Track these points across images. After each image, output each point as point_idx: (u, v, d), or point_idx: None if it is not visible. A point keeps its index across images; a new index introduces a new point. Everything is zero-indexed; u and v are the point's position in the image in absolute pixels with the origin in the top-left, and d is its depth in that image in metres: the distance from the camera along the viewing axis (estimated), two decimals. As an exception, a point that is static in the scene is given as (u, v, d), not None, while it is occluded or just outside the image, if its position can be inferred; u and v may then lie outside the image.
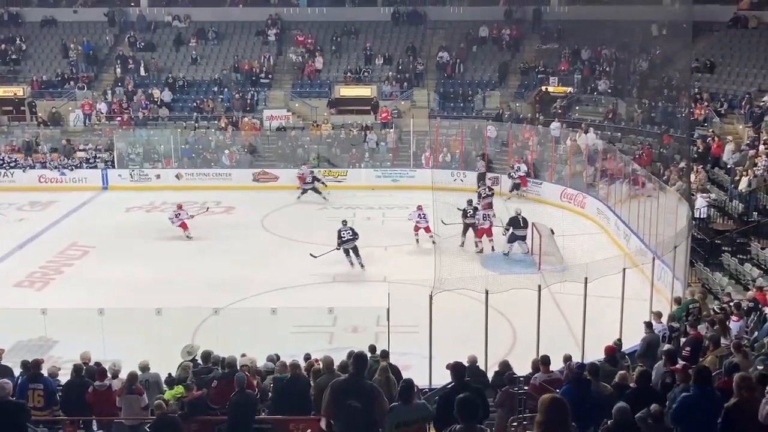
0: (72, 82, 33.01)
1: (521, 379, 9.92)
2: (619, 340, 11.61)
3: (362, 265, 19.06)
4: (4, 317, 13.31)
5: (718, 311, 12.25)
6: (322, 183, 27.07)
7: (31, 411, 8.68)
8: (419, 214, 21.20)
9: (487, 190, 23.62)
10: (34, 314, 13.04)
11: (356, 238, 19.19)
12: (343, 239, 19.14)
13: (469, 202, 21.24)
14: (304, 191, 26.65)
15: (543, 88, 31.37)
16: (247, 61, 34.03)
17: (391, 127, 30.61)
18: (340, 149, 30.07)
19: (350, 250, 19.18)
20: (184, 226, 22.02)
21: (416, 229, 21.26)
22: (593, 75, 31.51)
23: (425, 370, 11.94)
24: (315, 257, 18.77)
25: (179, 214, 22.13)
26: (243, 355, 10.61)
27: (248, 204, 25.95)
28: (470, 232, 20.71)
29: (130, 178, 28.72)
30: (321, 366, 9.37)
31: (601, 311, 14.53)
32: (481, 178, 26.93)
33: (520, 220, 19.89)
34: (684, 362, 9.03)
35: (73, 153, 29.23)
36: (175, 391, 9.53)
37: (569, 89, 31.18)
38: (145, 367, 10.34)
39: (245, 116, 31.30)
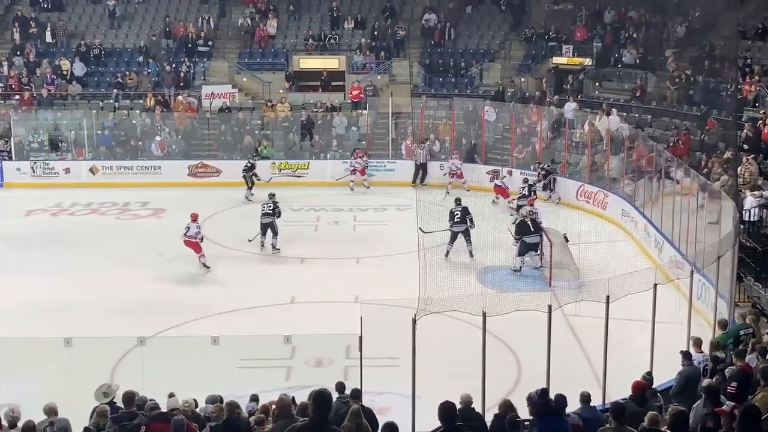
0: (-43, 51, 32.72)
1: (526, 424, 9.92)
2: (650, 373, 11.64)
3: (471, 254, 20.53)
4: None
5: (773, 337, 12.34)
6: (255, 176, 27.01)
7: None
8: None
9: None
10: None
11: (468, 224, 20.66)
12: (456, 221, 20.49)
13: (457, 201, 21.31)
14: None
15: (554, 59, 31.54)
16: (181, 24, 33.91)
17: (365, 108, 30.64)
18: (299, 136, 30.03)
19: (461, 234, 20.50)
20: (197, 247, 20.24)
21: (353, 171, 27.24)
22: (617, 43, 31.75)
23: (407, 413, 11.90)
24: (424, 233, 20.54)
25: (198, 230, 20.30)
26: (171, 396, 10.53)
27: (182, 205, 25.68)
28: (460, 239, 20.81)
29: (32, 173, 28.54)
30: (275, 408, 9.33)
31: (626, 338, 14.59)
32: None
33: (530, 224, 19.91)
34: (730, 402, 9.08)
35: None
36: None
37: (587, 61, 31.37)
38: (51, 411, 10.21)
39: (179, 94, 31.20)
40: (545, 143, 27.93)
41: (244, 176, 26.87)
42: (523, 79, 31.56)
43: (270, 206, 21.33)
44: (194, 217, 20.36)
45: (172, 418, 8.94)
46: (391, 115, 29.75)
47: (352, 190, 27.51)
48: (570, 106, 28.34)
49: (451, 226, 20.66)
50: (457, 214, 20.67)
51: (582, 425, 9.05)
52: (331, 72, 32.38)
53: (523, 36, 33.33)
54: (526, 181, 24.51)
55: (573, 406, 9.80)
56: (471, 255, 20.62)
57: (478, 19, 34.59)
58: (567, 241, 19.83)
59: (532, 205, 21.86)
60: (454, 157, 27.74)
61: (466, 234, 20.69)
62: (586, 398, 9.99)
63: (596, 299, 13.42)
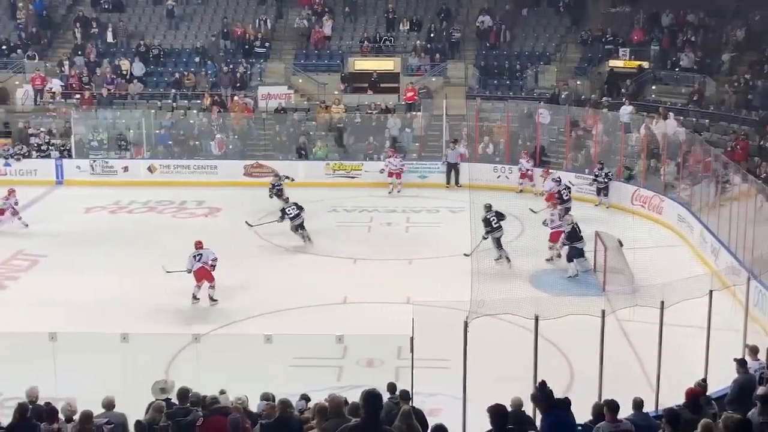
0: (20, 50, 33.38)
1: (579, 428, 9.87)
2: (704, 380, 11.50)
3: (508, 259, 20.34)
4: (-67, 343, 13.46)
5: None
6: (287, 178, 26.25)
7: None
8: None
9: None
10: (-30, 339, 13.15)
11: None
12: (494, 227, 20.21)
13: (488, 207, 20.94)
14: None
15: (611, 62, 31.27)
16: (239, 26, 34.25)
17: (419, 110, 30.65)
18: (354, 137, 30.16)
19: (499, 240, 20.36)
20: (210, 276, 18.50)
21: (389, 174, 27.04)
22: (675, 46, 31.38)
23: (458, 415, 11.90)
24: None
25: (214, 255, 18.70)
26: (222, 393, 10.65)
27: (238, 204, 26.05)
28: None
29: (91, 171, 28.99)
30: (327, 407, 9.38)
31: (681, 344, 14.41)
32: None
33: (577, 228, 19.85)
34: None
35: (28, 140, 29.49)
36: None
37: (644, 64, 31.05)
38: (109, 404, 10.40)
39: (235, 94, 31.48)
40: (600, 147, 27.68)
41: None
42: (578, 82, 31.34)
43: (495, 218, 20.57)
44: (201, 245, 18.66)
45: (229, 416, 9.04)
46: (445, 117, 29.69)
47: (390, 193, 27.40)
48: (626, 110, 28.07)
49: (489, 233, 20.37)
50: (494, 220, 20.42)
51: (634, 431, 8.95)
52: (384, 73, 32.44)
53: (580, 38, 33.08)
54: (559, 182, 24.33)
55: (626, 411, 9.72)
56: (508, 260, 20.43)
57: (534, 21, 34.41)
58: (621, 245, 19.64)
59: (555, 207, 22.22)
60: (523, 158, 27.64)
61: (498, 242, 20.42)
62: (638, 404, 9.89)
63: (651, 305, 13.29)
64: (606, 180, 25.70)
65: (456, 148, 28.44)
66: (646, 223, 23.93)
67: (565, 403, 9.31)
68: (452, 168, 28.33)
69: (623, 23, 32.95)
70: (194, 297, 18.27)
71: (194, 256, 18.31)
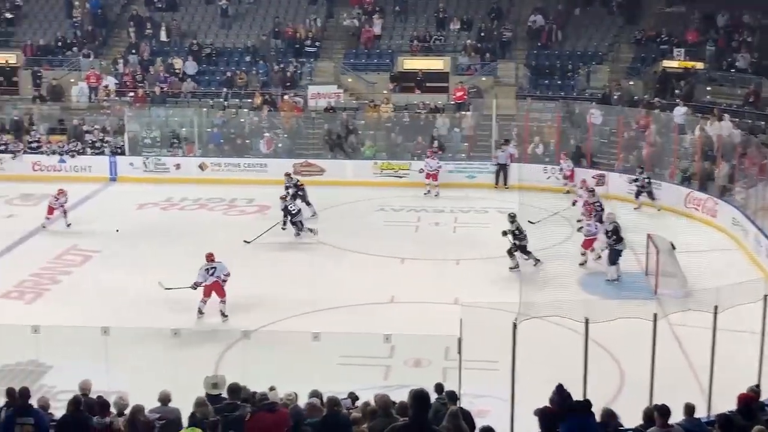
0: (75, 48, 33.92)
1: (628, 433, 9.79)
2: (758, 386, 11.33)
3: (537, 261, 20.07)
4: (-12, 335, 13.72)
5: None
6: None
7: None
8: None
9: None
10: (24, 332, 13.35)
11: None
12: (519, 237, 19.96)
13: (512, 217, 20.68)
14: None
15: (664, 62, 30.91)
16: (289, 25, 34.44)
17: (468, 110, 30.56)
18: (402, 136, 30.17)
19: (525, 248, 20.06)
20: (221, 292, 17.58)
21: (426, 175, 26.87)
22: (730, 47, 30.92)
23: (506, 417, 11.85)
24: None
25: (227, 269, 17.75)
26: (272, 389, 10.71)
27: (287, 203, 26.22)
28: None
29: (144, 168, 29.34)
30: (375, 406, 9.39)
31: (734, 349, 14.21)
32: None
33: (619, 229, 19.61)
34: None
35: (83, 137, 29.94)
36: None
37: (698, 65, 30.64)
38: (165, 399, 10.52)
39: (285, 93, 31.67)
40: (653, 148, 27.38)
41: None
42: (631, 83, 31.00)
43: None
44: (212, 257, 17.66)
45: (290, 407, 9.13)
46: (495, 117, 29.56)
47: (426, 194, 27.10)
48: (680, 111, 27.73)
49: (516, 246, 20.03)
50: (517, 232, 20.07)
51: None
52: (433, 73, 32.38)
53: (633, 38, 32.73)
54: (593, 193, 23.39)
55: (676, 417, 9.61)
56: (536, 262, 20.15)
57: (587, 20, 34.10)
58: (674, 249, 19.42)
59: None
60: (563, 159, 27.55)
61: (524, 249, 20.17)
62: (690, 410, 9.76)
63: (704, 309, 13.14)
64: (645, 184, 25.30)
65: (506, 149, 28.30)
66: (699, 226, 23.63)
67: (585, 406, 9.06)
68: (502, 169, 28.19)
69: (678, 23, 32.52)
70: (200, 311, 17.39)
71: (207, 270, 17.33)
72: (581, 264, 20.46)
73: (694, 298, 16.06)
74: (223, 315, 17.30)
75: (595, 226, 20.54)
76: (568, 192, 26.65)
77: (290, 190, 23.89)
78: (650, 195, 25.42)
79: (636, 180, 25.63)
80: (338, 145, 29.88)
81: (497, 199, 26.41)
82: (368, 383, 13.31)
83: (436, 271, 20.29)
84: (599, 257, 20.40)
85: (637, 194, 25.47)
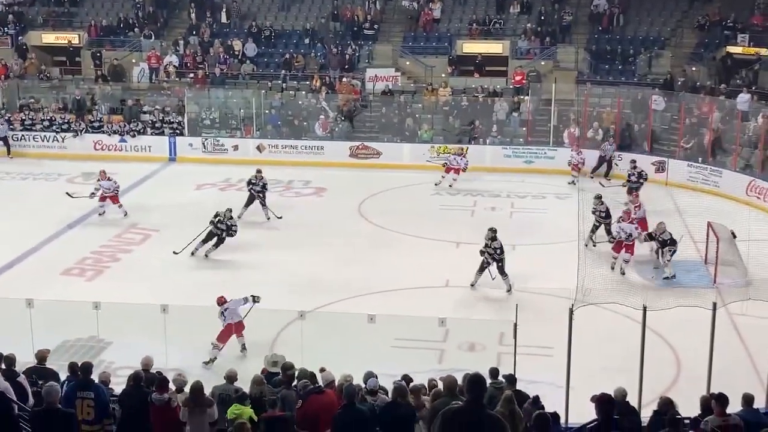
0: (137, 29, 34.36)
1: (687, 421, 9.69)
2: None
3: (510, 287, 17.91)
4: (49, 311, 14.02)
5: None
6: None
7: (80, 424, 9.13)
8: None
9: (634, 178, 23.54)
10: (84, 309, 13.63)
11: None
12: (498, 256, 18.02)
13: (598, 198, 20.69)
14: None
15: (729, 48, 30.37)
16: (348, 8, 34.47)
17: (527, 94, 30.36)
18: (460, 120, 30.07)
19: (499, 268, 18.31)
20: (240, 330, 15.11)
21: (447, 170, 26.05)
22: (797, 32, 30.28)
23: (560, 403, 11.80)
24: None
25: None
26: (322, 370, 10.83)
27: (343, 185, 26.34)
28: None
29: (203, 148, 29.68)
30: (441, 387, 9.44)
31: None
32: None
33: (670, 234, 19.06)
34: None
35: (139, 116, 30.38)
36: (242, 410, 9.78)
37: (763, 51, 30.04)
38: (231, 377, 10.70)
39: (343, 76, 31.74)
40: (716, 134, 26.95)
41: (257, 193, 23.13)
42: (694, 68, 30.50)
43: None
44: (221, 300, 14.98)
45: (344, 386, 9.31)
46: (554, 101, 29.32)
47: (437, 185, 26.32)
48: (744, 98, 27.23)
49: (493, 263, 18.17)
50: (499, 251, 18.05)
51: (743, 426, 8.74)
52: (492, 57, 32.19)
53: (696, 23, 32.17)
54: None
55: (734, 407, 9.50)
56: (509, 288, 17.87)
57: (649, 5, 33.58)
58: (735, 237, 19.12)
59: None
60: (574, 149, 27.15)
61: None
62: (749, 400, 9.65)
63: (764, 299, 12.97)
64: (640, 181, 23.85)
65: (612, 143, 27.44)
66: (762, 215, 23.25)
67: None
68: (605, 162, 27.09)
69: (743, 7, 31.89)
70: (211, 361, 14.58)
71: (220, 314, 14.82)
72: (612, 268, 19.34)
73: (754, 287, 15.83)
74: (243, 349, 14.85)
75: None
76: (572, 182, 26.17)
77: (256, 188, 22.90)
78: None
79: (629, 177, 24.02)
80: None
81: (555, 184, 26.21)
82: (422, 366, 13.36)
83: (491, 256, 20.25)
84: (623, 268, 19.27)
85: (630, 191, 23.34)
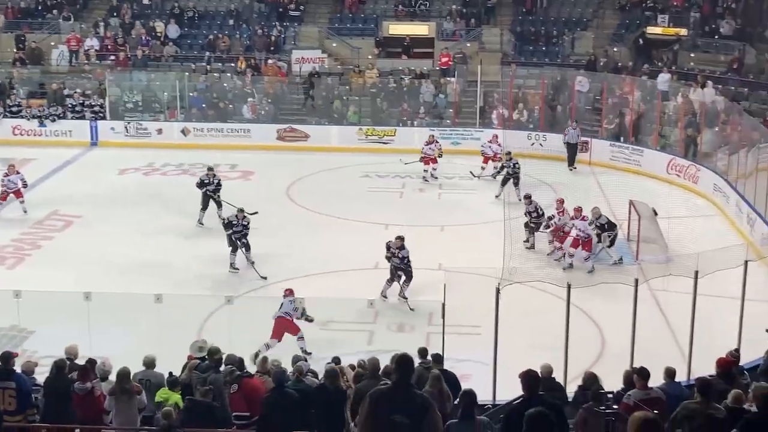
0: (55, 11, 33.52)
1: (610, 396, 9.88)
2: (737, 351, 11.47)
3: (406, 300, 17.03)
4: (-32, 300, 13.68)
5: None
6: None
7: (2, 415, 8.93)
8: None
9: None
10: (5, 297, 13.35)
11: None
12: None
13: (527, 198, 20.02)
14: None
15: (649, 29, 30.90)
16: (273, -11, 34.17)
17: (453, 76, 30.50)
18: (387, 102, 30.10)
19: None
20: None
21: (425, 161, 24.85)
22: (714, 13, 30.92)
23: (488, 380, 11.96)
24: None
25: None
26: (256, 355, 10.79)
27: (271, 168, 26.17)
28: None
29: (125, 132, 29.12)
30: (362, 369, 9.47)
31: (714, 315, 14.35)
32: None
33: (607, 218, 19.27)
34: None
35: (63, 100, 29.68)
36: (169, 395, 9.70)
37: (682, 31, 30.65)
38: (150, 363, 10.56)
39: (269, 58, 31.50)
40: (637, 114, 27.44)
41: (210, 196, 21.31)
42: (616, 49, 30.98)
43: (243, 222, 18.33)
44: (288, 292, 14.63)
45: (274, 371, 9.23)
46: (480, 83, 29.52)
47: (427, 181, 24.95)
48: (664, 78, 27.76)
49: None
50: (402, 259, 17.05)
51: (665, 399, 8.95)
52: (418, 39, 32.26)
53: (618, 4, 32.66)
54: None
55: (657, 381, 9.72)
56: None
57: (572, -14, 34.02)
58: (656, 215, 19.53)
59: None
60: (493, 141, 25.49)
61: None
62: (671, 373, 9.88)
63: (685, 274, 13.25)
64: (514, 171, 22.80)
65: (576, 128, 26.42)
66: (681, 192, 23.76)
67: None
68: (572, 148, 26.22)
69: (663, -11, 32.49)
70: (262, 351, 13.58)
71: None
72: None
73: (676, 263, 16.18)
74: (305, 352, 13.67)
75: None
76: (477, 177, 25.20)
77: (210, 188, 21.14)
78: (516, 182, 22.74)
79: (504, 167, 23.37)
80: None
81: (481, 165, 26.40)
82: (352, 348, 13.39)
83: (420, 237, 20.30)
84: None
85: (504, 182, 22.92)
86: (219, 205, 21.15)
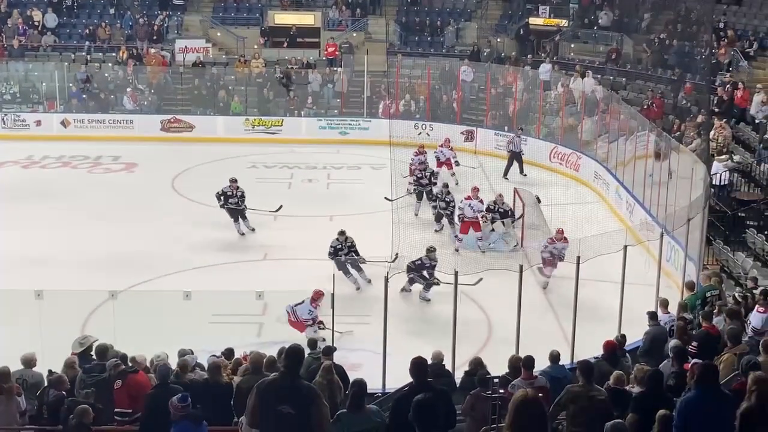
0: (-75, -1, 32.13)
1: (496, 381, 10.04)
2: (623, 335, 11.83)
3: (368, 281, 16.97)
4: None
5: (740, 299, 12.52)
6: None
7: None
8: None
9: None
10: None
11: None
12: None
13: (446, 187, 20.12)
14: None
15: (531, 20, 31.50)
16: (155, -24, 33.48)
17: (340, 66, 30.48)
18: (273, 92, 29.88)
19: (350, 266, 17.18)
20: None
21: (439, 164, 23.40)
22: (593, 5, 31.72)
23: (378, 369, 12.03)
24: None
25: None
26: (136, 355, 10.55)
27: (154, 160, 25.67)
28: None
29: (3, 125, 28.22)
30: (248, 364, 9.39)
31: (596, 299, 14.77)
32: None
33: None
34: (696, 360, 9.24)
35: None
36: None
37: (563, 22, 31.35)
38: (29, 362, 10.21)
39: (152, 47, 30.87)
40: (520, 104, 27.95)
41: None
42: (498, 40, 31.48)
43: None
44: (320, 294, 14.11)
45: (158, 367, 9.13)
46: (367, 73, 29.60)
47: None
48: (545, 68, 28.34)
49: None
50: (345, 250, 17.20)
51: (549, 387, 9.14)
52: (304, 28, 32.14)
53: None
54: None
55: (543, 364, 9.94)
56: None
57: (456, -23, 34.42)
58: (539, 202, 19.93)
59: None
60: (445, 145, 24.07)
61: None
62: (555, 357, 10.12)
63: (567, 260, 13.59)
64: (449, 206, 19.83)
65: (521, 137, 25.09)
66: (563, 179, 24.26)
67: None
68: (515, 157, 24.54)
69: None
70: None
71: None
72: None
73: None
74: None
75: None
76: (457, 184, 22.58)
77: (232, 201, 19.78)
78: (450, 219, 19.85)
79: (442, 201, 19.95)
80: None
81: (369, 155, 26.47)
82: (241, 341, 13.25)
83: (309, 227, 20.25)
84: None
85: (438, 217, 20.17)
86: (244, 217, 19.89)
